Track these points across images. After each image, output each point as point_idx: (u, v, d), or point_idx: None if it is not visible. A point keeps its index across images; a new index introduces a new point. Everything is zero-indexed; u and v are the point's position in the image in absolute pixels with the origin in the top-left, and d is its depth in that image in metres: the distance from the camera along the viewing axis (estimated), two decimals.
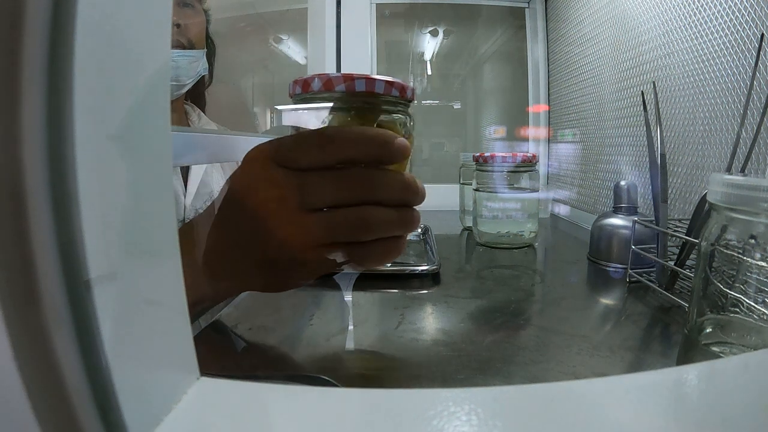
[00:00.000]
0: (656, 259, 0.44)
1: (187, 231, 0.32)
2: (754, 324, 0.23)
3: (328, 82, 0.28)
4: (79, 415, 0.11)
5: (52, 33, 0.11)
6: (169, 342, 0.15)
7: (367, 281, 0.48)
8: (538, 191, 0.68)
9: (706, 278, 0.24)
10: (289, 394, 0.16)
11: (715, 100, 0.50)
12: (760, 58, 0.41)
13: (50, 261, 0.11)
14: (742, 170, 0.38)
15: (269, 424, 0.14)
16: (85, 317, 0.11)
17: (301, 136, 0.27)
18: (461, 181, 0.84)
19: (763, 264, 0.22)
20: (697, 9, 0.53)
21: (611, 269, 0.54)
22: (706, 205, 0.27)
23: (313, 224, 0.26)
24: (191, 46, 0.68)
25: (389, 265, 0.50)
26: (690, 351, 0.25)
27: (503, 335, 0.36)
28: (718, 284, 0.24)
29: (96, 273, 0.12)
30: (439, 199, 1.01)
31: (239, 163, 0.29)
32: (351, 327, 0.38)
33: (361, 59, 1.10)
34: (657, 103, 0.48)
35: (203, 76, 0.74)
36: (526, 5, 1.13)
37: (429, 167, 1.23)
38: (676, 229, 0.46)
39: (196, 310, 0.32)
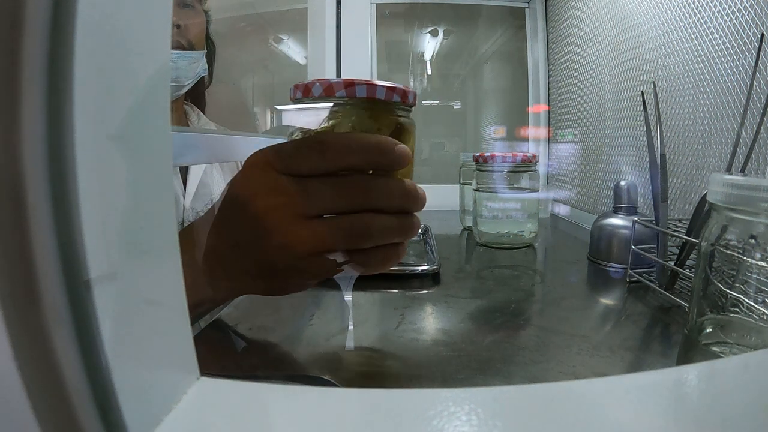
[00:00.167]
0: (656, 259, 0.44)
1: (187, 233, 0.32)
2: (754, 324, 0.23)
3: (328, 87, 0.28)
4: (79, 415, 0.11)
5: (52, 33, 0.11)
6: (169, 342, 0.15)
7: (367, 281, 0.48)
8: (538, 191, 0.68)
9: (706, 278, 0.24)
10: (289, 394, 0.16)
11: (715, 100, 0.50)
12: (760, 58, 0.41)
13: (50, 261, 0.11)
14: (742, 170, 0.38)
15: (269, 424, 0.14)
16: (85, 317, 0.11)
17: (301, 142, 0.27)
18: (461, 181, 0.84)
19: (763, 264, 0.22)
20: (697, 9, 0.53)
21: (611, 269, 0.54)
22: (706, 205, 0.27)
23: (313, 231, 0.26)
24: (191, 47, 0.68)
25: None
26: (690, 351, 0.25)
27: (503, 335, 0.36)
28: (718, 284, 0.24)
29: (96, 273, 0.12)
30: (439, 199, 1.01)
31: (240, 164, 0.29)
32: (351, 327, 0.38)
33: (361, 59, 1.10)
34: (657, 103, 0.48)
35: (203, 77, 0.74)
36: (526, 5, 1.13)
37: (429, 167, 1.23)
38: (676, 229, 0.46)
39: (196, 312, 0.32)
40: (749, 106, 0.41)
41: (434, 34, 1.21)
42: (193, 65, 0.69)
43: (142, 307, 0.14)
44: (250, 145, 0.42)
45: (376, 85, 0.28)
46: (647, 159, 0.47)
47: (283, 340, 0.35)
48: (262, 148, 0.28)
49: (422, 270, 0.51)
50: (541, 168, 1.08)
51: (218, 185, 0.73)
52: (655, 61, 0.62)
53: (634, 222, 0.49)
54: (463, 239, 0.76)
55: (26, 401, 0.11)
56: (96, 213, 0.12)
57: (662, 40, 0.60)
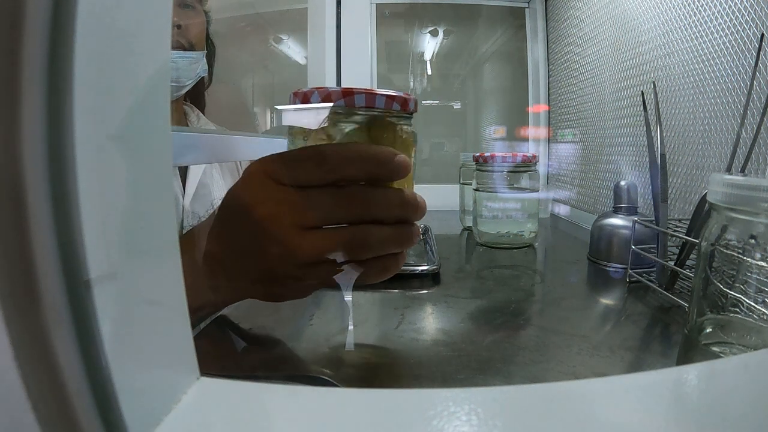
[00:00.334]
0: (656, 259, 0.44)
1: (188, 238, 0.32)
2: (754, 324, 0.23)
3: (327, 96, 0.27)
4: (79, 415, 0.11)
5: (52, 33, 0.11)
6: (169, 342, 0.15)
7: None
8: (538, 191, 0.68)
9: (706, 278, 0.24)
10: (289, 394, 0.16)
11: (715, 100, 0.50)
12: (760, 58, 0.41)
13: (50, 261, 0.11)
14: (742, 170, 0.38)
15: (269, 424, 0.14)
16: (85, 317, 0.11)
17: (299, 153, 0.27)
18: (461, 181, 0.84)
19: (763, 264, 0.22)
20: (697, 9, 0.53)
21: (611, 269, 0.54)
22: (706, 205, 0.27)
23: (312, 242, 0.26)
24: (191, 47, 0.68)
25: None
26: (690, 351, 0.25)
27: (503, 335, 0.36)
28: (718, 284, 0.24)
29: (96, 273, 0.12)
30: (439, 199, 1.01)
31: (240, 164, 0.29)
32: (351, 327, 0.38)
33: (361, 59, 1.10)
34: (657, 103, 0.48)
35: (203, 77, 0.74)
36: (526, 5, 1.13)
37: (429, 167, 1.23)
38: (676, 229, 0.46)
39: (196, 316, 0.32)
40: (749, 106, 0.41)
41: (434, 34, 1.21)
42: (193, 65, 0.69)
43: (142, 307, 0.14)
44: (250, 145, 0.42)
45: (375, 94, 0.27)
46: (647, 159, 0.47)
47: (283, 340, 0.35)
48: (261, 157, 0.28)
49: (422, 270, 0.51)
50: (541, 168, 1.08)
51: (218, 186, 0.73)
52: (655, 61, 0.62)
53: (634, 222, 0.49)
54: (463, 239, 0.76)
55: (26, 401, 0.11)
56: (96, 213, 0.12)
57: (662, 40, 0.60)
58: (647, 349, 0.34)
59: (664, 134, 0.54)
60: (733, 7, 0.47)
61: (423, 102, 1.24)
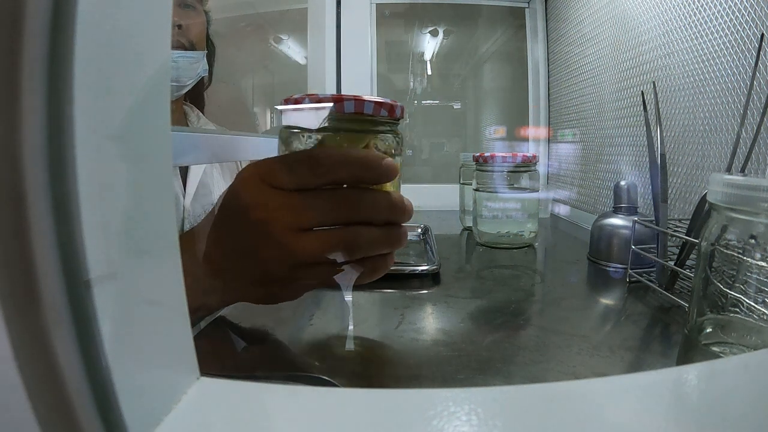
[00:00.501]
0: (656, 259, 0.44)
1: (184, 240, 0.32)
2: (754, 324, 0.23)
3: (317, 103, 0.29)
4: (79, 415, 0.11)
5: (52, 33, 0.11)
6: (169, 342, 0.15)
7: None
8: (538, 191, 0.68)
9: (706, 278, 0.24)
10: (289, 394, 0.16)
11: (715, 100, 0.50)
12: (760, 58, 0.41)
13: (50, 261, 0.11)
14: (742, 170, 0.38)
15: (269, 424, 0.14)
16: (85, 317, 0.11)
17: (291, 157, 0.28)
18: (461, 181, 0.84)
19: (763, 264, 0.22)
20: (697, 9, 0.53)
21: (611, 269, 0.54)
22: (706, 205, 0.27)
23: (303, 243, 0.27)
24: (192, 47, 0.68)
25: None
26: (690, 351, 0.25)
27: (503, 335, 0.36)
28: (718, 284, 0.24)
29: (96, 273, 0.12)
30: (439, 199, 1.01)
31: (240, 164, 0.30)
32: (351, 327, 0.38)
33: (361, 59, 1.10)
34: (657, 103, 0.48)
35: (203, 77, 0.74)
36: (526, 5, 1.13)
37: (429, 167, 1.23)
38: (676, 229, 0.46)
39: (192, 318, 0.32)
40: (749, 106, 0.41)
41: (434, 34, 1.21)
42: (193, 65, 0.69)
43: (142, 307, 0.14)
44: (250, 145, 0.42)
45: (364, 100, 0.29)
46: (647, 159, 0.47)
47: (283, 340, 0.35)
48: (253, 162, 0.29)
49: (422, 270, 0.51)
50: (541, 168, 1.08)
51: (218, 185, 0.73)
52: (655, 61, 0.62)
53: (634, 222, 0.49)
54: (463, 239, 0.76)
55: (26, 401, 0.11)
56: (96, 213, 0.12)
57: (662, 40, 0.60)
58: (647, 349, 0.34)
59: (664, 134, 0.54)
60: (733, 7, 0.47)
61: (423, 102, 1.24)
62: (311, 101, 0.29)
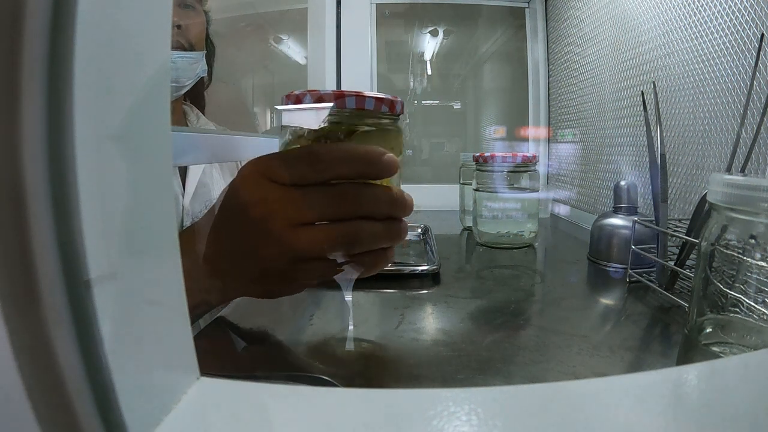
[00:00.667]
0: (656, 259, 0.44)
1: (184, 237, 0.32)
2: (754, 324, 0.23)
3: (319, 99, 0.29)
4: (79, 415, 0.11)
5: (52, 33, 0.11)
6: (169, 342, 0.15)
7: (367, 281, 0.48)
8: (538, 191, 0.68)
9: (706, 278, 0.24)
10: (289, 394, 0.16)
11: (715, 100, 0.50)
12: (760, 58, 0.41)
13: (50, 261, 0.11)
14: (742, 170, 0.38)
15: (269, 424, 0.14)
16: (85, 317, 0.11)
17: (291, 153, 0.28)
18: (461, 181, 0.84)
19: (763, 264, 0.22)
20: (697, 9, 0.53)
21: (611, 269, 0.54)
22: (706, 205, 0.27)
23: (305, 238, 0.28)
24: (191, 47, 0.68)
25: (389, 265, 0.50)
26: (690, 351, 0.25)
27: (503, 335, 0.36)
28: (718, 284, 0.24)
29: (96, 273, 0.12)
30: (439, 199, 1.01)
31: (240, 164, 0.30)
32: (351, 327, 0.38)
33: (361, 59, 1.10)
34: (657, 103, 0.48)
35: (202, 77, 0.74)
36: (526, 5, 1.13)
37: (429, 167, 1.23)
38: (676, 229, 0.46)
39: (192, 315, 0.32)
40: (749, 106, 0.41)
41: (434, 34, 1.21)
42: (193, 66, 0.69)
43: (142, 307, 0.14)
44: (250, 145, 0.42)
45: (365, 96, 0.29)
46: (647, 159, 0.47)
47: (283, 340, 0.35)
48: (254, 158, 0.29)
49: (422, 270, 0.51)
50: (541, 168, 1.08)
51: (217, 185, 0.73)
52: (655, 61, 0.62)
53: (634, 222, 0.49)
54: (463, 239, 0.76)
55: (26, 401, 0.11)
56: (96, 213, 0.12)
57: (662, 40, 0.60)
58: (647, 349, 0.34)
59: (664, 134, 0.54)
60: (733, 7, 0.47)
61: (423, 102, 1.24)
62: (312, 97, 0.29)
